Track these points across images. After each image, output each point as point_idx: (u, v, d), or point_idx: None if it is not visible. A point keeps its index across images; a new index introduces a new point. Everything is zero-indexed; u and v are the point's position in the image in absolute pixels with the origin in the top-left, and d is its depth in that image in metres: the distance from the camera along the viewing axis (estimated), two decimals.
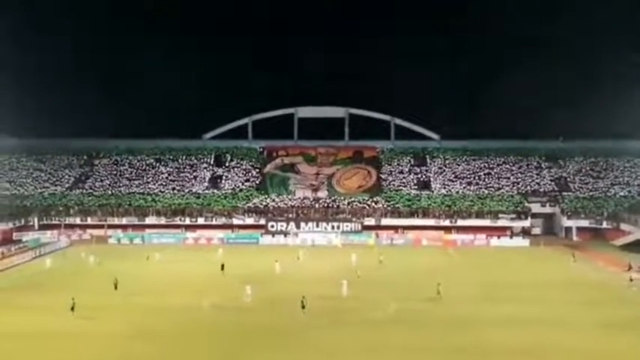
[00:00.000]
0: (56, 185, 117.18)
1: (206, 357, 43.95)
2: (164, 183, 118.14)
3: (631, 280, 68.96)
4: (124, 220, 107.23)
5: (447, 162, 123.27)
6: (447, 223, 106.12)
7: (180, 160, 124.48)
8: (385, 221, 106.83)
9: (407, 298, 60.99)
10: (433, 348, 45.37)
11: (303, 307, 54.18)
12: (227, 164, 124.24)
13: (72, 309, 53.22)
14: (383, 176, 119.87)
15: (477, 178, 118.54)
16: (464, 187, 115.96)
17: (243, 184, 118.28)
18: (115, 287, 64.01)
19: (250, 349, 45.33)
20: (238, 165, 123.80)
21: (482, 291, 65.16)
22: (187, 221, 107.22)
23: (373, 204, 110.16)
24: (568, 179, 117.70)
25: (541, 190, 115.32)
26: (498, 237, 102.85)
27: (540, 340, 47.01)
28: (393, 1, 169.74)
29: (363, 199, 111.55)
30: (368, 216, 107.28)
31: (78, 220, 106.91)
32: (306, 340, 47.38)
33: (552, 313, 55.45)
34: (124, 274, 69.38)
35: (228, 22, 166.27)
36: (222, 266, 74.54)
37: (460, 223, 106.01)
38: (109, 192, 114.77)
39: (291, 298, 57.76)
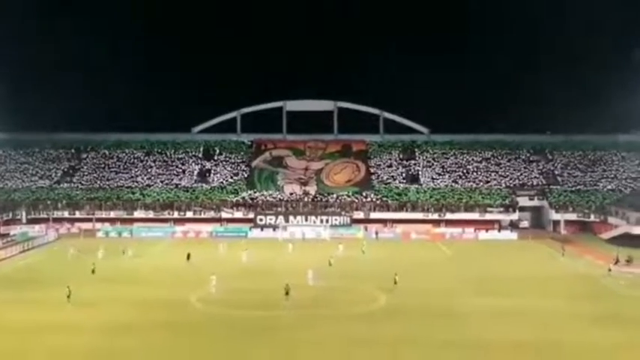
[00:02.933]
0: (44, 179, 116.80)
1: (196, 351, 43.80)
2: (152, 176, 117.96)
3: (609, 270, 70.09)
4: (112, 214, 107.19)
5: (435, 155, 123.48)
6: (435, 216, 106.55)
7: (168, 154, 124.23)
8: (374, 215, 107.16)
9: (389, 289, 61.09)
10: (419, 341, 45.41)
11: (287, 293, 55.85)
12: (216, 158, 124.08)
13: (68, 297, 54.73)
14: (372, 170, 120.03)
15: (465, 171, 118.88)
16: (452, 181, 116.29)
17: (231, 177, 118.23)
18: (93, 272, 67.84)
19: (236, 343, 45.19)
20: (227, 159, 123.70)
21: (470, 284, 65.45)
22: (176, 215, 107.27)
23: (362, 198, 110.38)
24: (556, 172, 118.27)
25: (529, 183, 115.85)
26: (487, 230, 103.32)
27: (528, 333, 47.22)
28: None
29: (353, 193, 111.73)
30: (357, 209, 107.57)
31: (66, 214, 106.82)
32: (284, 333, 47.49)
33: (540, 306, 55.69)
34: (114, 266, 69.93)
35: (215, 16, 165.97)
36: (188, 256, 76.60)
37: (449, 216, 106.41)
38: (97, 185, 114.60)
39: (268, 289, 59.13)
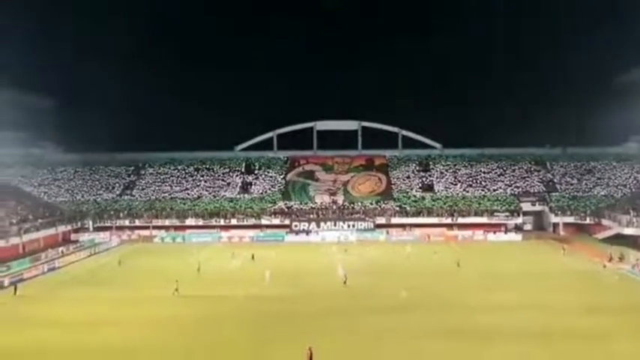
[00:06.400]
0: (108, 192, 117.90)
1: (261, 340, 44.03)
2: (201, 189, 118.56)
3: (604, 266, 69.75)
4: (167, 222, 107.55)
5: (448, 167, 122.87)
6: (448, 220, 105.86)
7: (215, 169, 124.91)
8: (395, 220, 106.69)
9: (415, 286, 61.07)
10: (434, 331, 45.19)
11: (345, 282, 61.62)
12: (256, 172, 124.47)
13: (176, 290, 57.56)
14: (392, 181, 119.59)
15: (474, 181, 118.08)
16: (463, 189, 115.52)
17: (270, 189, 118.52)
18: (198, 270, 69.94)
19: (292, 334, 45.19)
20: (265, 173, 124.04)
21: (482, 280, 64.96)
22: (222, 222, 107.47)
23: (384, 205, 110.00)
24: (555, 181, 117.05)
25: (531, 190, 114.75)
26: (494, 232, 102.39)
27: (533, 323, 46.90)
28: (396, 26, 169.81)
29: (375, 202, 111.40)
30: (379, 216, 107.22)
31: (127, 222, 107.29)
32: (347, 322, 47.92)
33: (544, 299, 55.23)
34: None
35: (254, 55, 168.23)
36: (253, 256, 79.09)
37: (460, 220, 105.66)
38: (154, 197, 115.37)
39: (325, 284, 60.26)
